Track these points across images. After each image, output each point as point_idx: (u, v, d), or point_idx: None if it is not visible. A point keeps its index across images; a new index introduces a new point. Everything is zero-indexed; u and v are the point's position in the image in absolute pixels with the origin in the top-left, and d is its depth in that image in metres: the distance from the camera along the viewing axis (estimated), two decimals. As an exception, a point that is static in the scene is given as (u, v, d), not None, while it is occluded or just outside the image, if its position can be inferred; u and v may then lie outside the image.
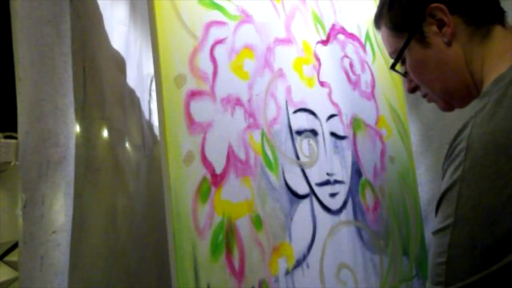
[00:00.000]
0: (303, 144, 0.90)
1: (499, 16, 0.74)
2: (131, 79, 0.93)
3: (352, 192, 0.99)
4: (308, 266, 0.84)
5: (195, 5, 0.75)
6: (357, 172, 1.02)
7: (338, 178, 0.97)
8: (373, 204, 1.04)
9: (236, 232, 0.73)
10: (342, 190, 0.97)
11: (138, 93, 0.95)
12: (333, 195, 0.94)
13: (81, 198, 0.79)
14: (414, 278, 1.13)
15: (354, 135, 1.04)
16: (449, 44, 0.74)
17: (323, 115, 0.96)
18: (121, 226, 0.87)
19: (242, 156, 0.77)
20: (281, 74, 0.88)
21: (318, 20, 1.02)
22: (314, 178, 0.90)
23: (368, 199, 1.03)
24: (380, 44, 1.20)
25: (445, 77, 0.77)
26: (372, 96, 1.13)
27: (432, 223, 1.35)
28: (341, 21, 1.08)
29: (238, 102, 0.78)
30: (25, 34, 0.67)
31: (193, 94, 0.71)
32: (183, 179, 0.67)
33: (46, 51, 0.69)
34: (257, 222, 0.77)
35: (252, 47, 0.83)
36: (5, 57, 0.68)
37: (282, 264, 0.80)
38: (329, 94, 0.99)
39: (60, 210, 0.69)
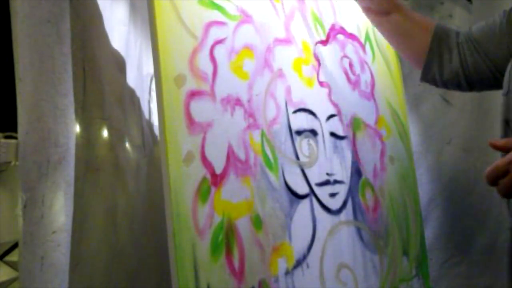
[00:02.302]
0: (303, 144, 0.90)
1: None
2: (131, 79, 0.93)
3: (352, 192, 0.99)
4: (308, 266, 0.84)
5: (195, 5, 0.75)
6: (357, 172, 1.02)
7: (338, 178, 0.97)
8: (373, 204, 1.04)
9: (236, 232, 0.73)
10: (342, 190, 0.97)
11: (138, 93, 0.95)
12: (333, 195, 0.94)
13: (81, 198, 0.79)
14: (414, 278, 1.13)
15: (354, 135, 1.04)
16: None
17: (322, 115, 0.96)
18: (121, 226, 0.87)
19: (242, 156, 0.77)
20: (280, 74, 0.88)
21: (317, 20, 1.02)
22: (314, 178, 0.90)
23: (368, 199, 1.03)
24: (380, 44, 1.20)
25: None
26: (371, 96, 1.13)
27: (432, 223, 1.36)
28: (340, 21, 1.09)
29: (238, 102, 0.78)
30: (25, 34, 0.67)
31: (193, 94, 0.71)
32: (183, 179, 0.67)
33: (46, 51, 0.69)
34: (257, 222, 0.77)
35: (252, 47, 0.83)
36: (5, 57, 0.68)
37: (282, 264, 0.80)
38: (329, 94, 1.00)
39: (60, 210, 0.69)
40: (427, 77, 1.03)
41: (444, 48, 0.99)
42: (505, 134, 0.83)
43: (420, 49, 1.01)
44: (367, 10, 1.06)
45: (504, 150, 0.71)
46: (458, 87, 1.01)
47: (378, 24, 1.08)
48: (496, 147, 0.71)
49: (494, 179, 0.68)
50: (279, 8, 0.91)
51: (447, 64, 0.99)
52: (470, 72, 0.97)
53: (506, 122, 0.83)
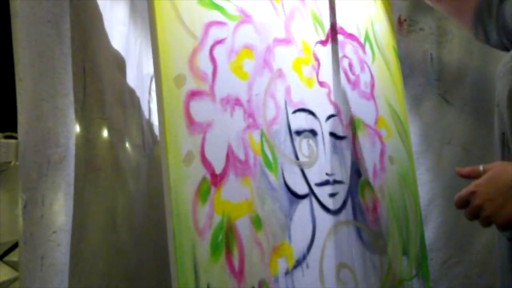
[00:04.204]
0: (303, 144, 0.90)
1: None
2: (131, 79, 0.93)
3: (351, 192, 0.99)
4: (307, 266, 0.84)
5: (195, 5, 0.75)
6: (356, 172, 1.02)
7: (338, 178, 0.97)
8: (373, 204, 1.04)
9: (235, 232, 0.73)
10: (341, 190, 0.97)
11: (138, 93, 0.95)
12: (332, 195, 0.94)
13: (81, 198, 0.79)
14: (414, 278, 1.13)
15: (354, 135, 1.04)
16: None
17: (322, 115, 0.96)
18: (121, 226, 0.87)
19: (241, 156, 0.77)
20: (280, 74, 0.88)
21: (317, 20, 1.02)
22: (314, 178, 0.90)
23: (367, 199, 1.03)
24: (380, 44, 1.20)
25: None
26: (371, 96, 1.13)
27: (432, 223, 1.36)
28: (340, 21, 1.09)
29: (237, 102, 0.78)
30: (25, 34, 0.67)
31: (193, 94, 0.71)
32: (183, 179, 0.67)
33: (46, 51, 0.69)
34: (257, 222, 0.77)
35: (252, 47, 0.83)
36: (5, 57, 0.68)
37: (282, 264, 0.80)
38: (329, 94, 1.00)
39: (60, 210, 0.69)
40: (479, 39, 1.09)
41: (486, 19, 1.03)
42: (503, 146, 0.86)
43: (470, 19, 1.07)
44: None
45: (468, 178, 0.79)
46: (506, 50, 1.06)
47: (434, 6, 1.18)
48: (462, 175, 0.79)
49: (459, 207, 0.78)
50: (279, 8, 0.91)
51: (489, 33, 1.04)
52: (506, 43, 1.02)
53: (502, 134, 0.85)
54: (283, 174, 0.84)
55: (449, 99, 1.36)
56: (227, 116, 0.76)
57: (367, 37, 1.17)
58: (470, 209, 0.76)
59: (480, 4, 1.05)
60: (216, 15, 0.78)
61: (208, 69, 0.75)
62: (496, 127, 0.89)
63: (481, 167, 0.78)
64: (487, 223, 0.76)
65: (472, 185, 0.76)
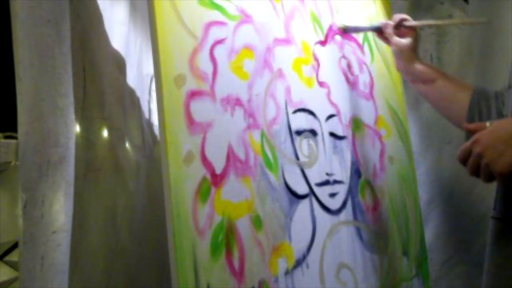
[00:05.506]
0: (303, 144, 0.90)
1: None
2: (131, 79, 0.94)
3: (351, 192, 0.99)
4: (307, 266, 0.84)
5: (195, 5, 0.75)
6: (356, 172, 1.02)
7: (338, 178, 0.97)
8: (373, 204, 1.04)
9: (236, 232, 0.73)
10: (341, 190, 0.97)
11: (138, 93, 0.95)
12: (332, 195, 0.94)
13: (81, 198, 0.79)
14: (414, 278, 1.13)
15: (353, 135, 1.04)
16: None
17: (322, 115, 0.96)
18: (121, 226, 0.87)
19: (241, 156, 0.77)
20: (280, 74, 0.88)
21: (316, 20, 1.02)
22: (314, 178, 0.91)
23: (367, 199, 1.03)
24: (379, 45, 1.20)
25: None
26: (370, 96, 1.13)
27: (432, 223, 1.36)
28: (338, 21, 1.08)
29: (237, 102, 0.78)
30: (25, 34, 0.67)
31: (193, 94, 0.71)
32: (183, 179, 0.67)
33: (46, 51, 0.69)
34: (257, 222, 0.77)
35: (252, 47, 0.83)
36: (5, 57, 0.68)
37: (282, 264, 0.80)
38: (328, 94, 1.00)
39: (60, 210, 0.69)
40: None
41: (483, 104, 0.99)
42: None
43: (462, 109, 1.02)
44: (414, 82, 1.11)
45: (475, 132, 0.77)
46: None
47: (426, 92, 1.11)
48: (469, 130, 0.79)
49: (463, 160, 0.75)
50: (279, 8, 0.91)
51: (485, 119, 0.98)
52: None
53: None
54: (283, 174, 0.84)
55: (449, 99, 1.36)
56: (227, 116, 0.76)
57: (365, 38, 1.17)
58: (472, 158, 0.74)
59: (473, 104, 1.00)
60: (216, 15, 0.78)
61: (208, 69, 0.75)
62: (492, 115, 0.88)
63: (487, 123, 0.77)
64: (487, 173, 0.74)
65: (476, 135, 0.75)
